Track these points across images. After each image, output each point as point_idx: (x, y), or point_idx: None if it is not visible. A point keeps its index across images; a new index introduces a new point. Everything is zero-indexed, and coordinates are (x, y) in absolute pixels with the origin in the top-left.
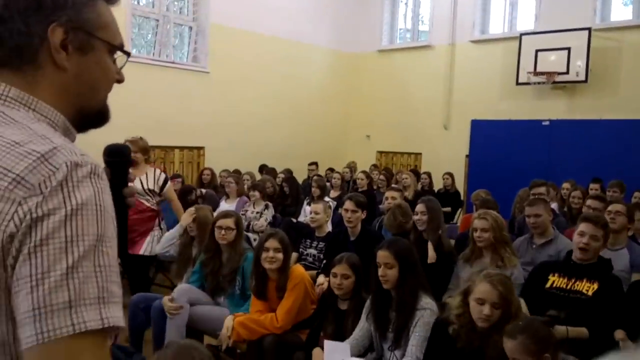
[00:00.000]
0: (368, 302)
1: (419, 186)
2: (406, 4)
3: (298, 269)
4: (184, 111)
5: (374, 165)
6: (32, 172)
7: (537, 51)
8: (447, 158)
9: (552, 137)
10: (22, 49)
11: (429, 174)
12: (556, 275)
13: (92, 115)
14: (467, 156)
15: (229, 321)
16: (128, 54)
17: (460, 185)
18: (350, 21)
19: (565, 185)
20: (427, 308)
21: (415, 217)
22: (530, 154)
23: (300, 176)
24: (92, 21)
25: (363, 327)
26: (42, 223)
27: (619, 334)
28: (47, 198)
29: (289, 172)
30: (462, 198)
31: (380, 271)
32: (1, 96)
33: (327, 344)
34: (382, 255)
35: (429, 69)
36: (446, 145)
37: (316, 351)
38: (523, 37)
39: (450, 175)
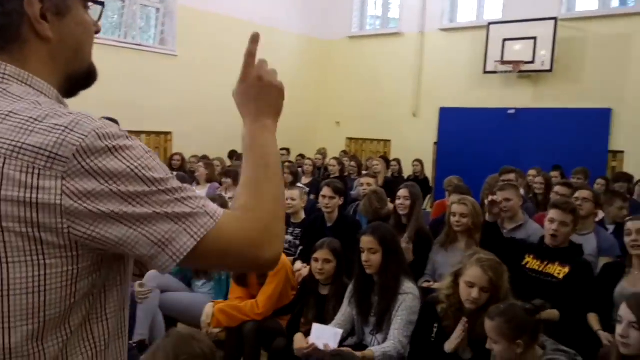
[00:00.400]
0: (350, 287)
1: (389, 173)
2: None
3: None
4: (151, 95)
5: (344, 152)
6: (63, 144)
7: (504, 40)
8: (416, 145)
9: (518, 125)
10: (3, 29)
11: (398, 161)
12: (531, 256)
13: (81, 78)
14: (435, 143)
15: (209, 308)
16: (102, 4)
17: (428, 172)
18: (321, 7)
19: (531, 172)
20: (409, 292)
21: (398, 202)
22: (496, 141)
23: None
24: None
25: (345, 312)
26: (119, 187)
27: (594, 323)
28: (105, 167)
29: None
30: (430, 185)
31: (364, 256)
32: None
33: (315, 327)
34: (367, 241)
35: (399, 57)
36: (415, 132)
37: (298, 336)
38: (491, 26)
39: (420, 162)
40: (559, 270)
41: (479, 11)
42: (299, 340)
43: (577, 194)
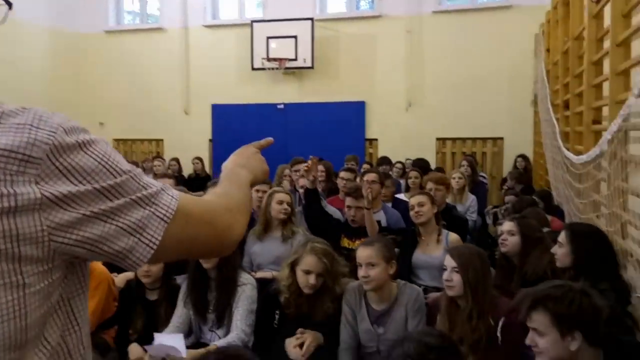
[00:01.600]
0: (183, 287)
1: (169, 172)
2: None
3: (99, 267)
4: None
5: None
6: (35, 144)
7: (268, 38)
8: (190, 143)
9: (287, 119)
10: None
11: (177, 160)
12: (343, 236)
13: None
14: (210, 140)
15: None
16: (9, 4)
17: (206, 168)
18: None
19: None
20: (247, 283)
21: None
22: (268, 135)
23: None
24: None
25: (182, 313)
26: (94, 185)
27: None
28: (78, 164)
29: None
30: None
31: None
32: None
33: (157, 336)
34: None
35: (163, 53)
36: (189, 130)
37: (133, 348)
38: (254, 24)
39: (200, 159)
40: None
41: (241, 9)
42: (135, 352)
43: (365, 177)
